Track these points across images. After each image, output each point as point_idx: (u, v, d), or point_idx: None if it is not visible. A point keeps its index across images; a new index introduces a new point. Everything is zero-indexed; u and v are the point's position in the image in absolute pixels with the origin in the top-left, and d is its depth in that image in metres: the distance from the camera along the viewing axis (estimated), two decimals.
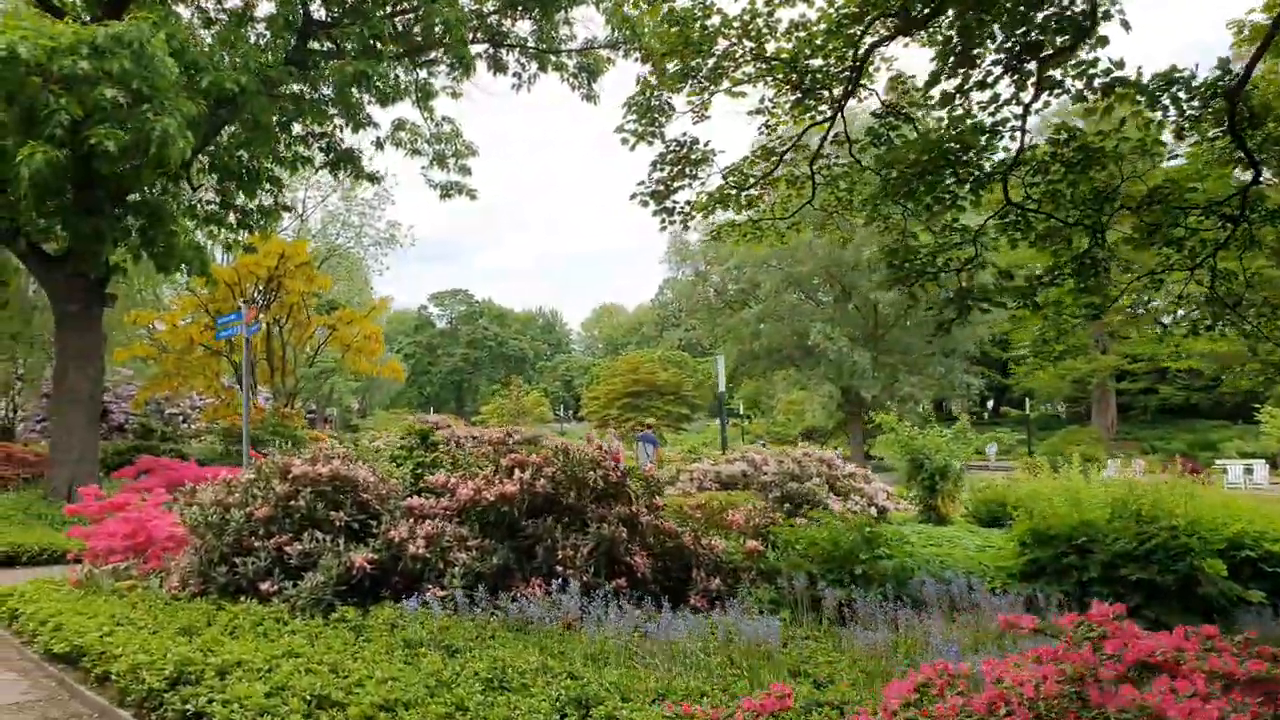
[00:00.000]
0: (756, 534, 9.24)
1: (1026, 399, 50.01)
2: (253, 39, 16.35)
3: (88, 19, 14.48)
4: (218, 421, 26.45)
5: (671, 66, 10.35)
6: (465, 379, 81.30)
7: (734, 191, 10.28)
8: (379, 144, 19.05)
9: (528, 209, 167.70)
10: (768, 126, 10.92)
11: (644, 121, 10.47)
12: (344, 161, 18.95)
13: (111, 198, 15.37)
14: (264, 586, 7.54)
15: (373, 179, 19.21)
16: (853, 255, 40.79)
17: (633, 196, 10.15)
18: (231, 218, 18.29)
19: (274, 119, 16.08)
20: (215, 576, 7.80)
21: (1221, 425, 46.47)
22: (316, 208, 43.63)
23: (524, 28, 19.12)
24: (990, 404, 64.39)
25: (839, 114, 9.90)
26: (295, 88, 17.23)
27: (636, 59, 19.09)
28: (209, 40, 15.31)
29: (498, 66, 19.40)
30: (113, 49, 11.14)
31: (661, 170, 10.22)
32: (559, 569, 7.69)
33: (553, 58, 19.55)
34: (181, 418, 33.26)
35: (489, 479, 8.08)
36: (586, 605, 7.17)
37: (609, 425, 50.21)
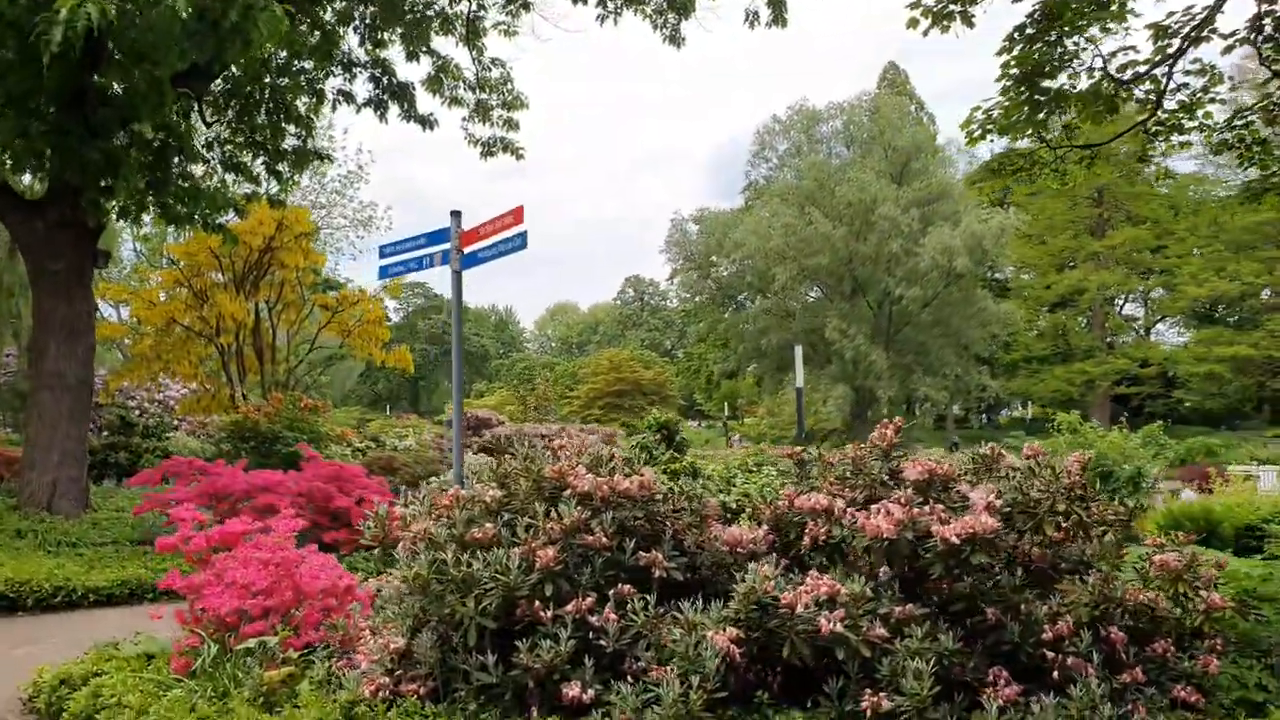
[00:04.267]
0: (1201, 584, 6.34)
1: (1028, 403, 48.54)
2: None
3: None
4: (197, 415, 22.58)
5: None
6: (422, 376, 76.63)
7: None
8: (436, 82, 15.46)
9: (474, 198, 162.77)
10: None
11: None
12: (396, 98, 15.40)
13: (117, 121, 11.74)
14: (570, 691, 4.29)
15: (425, 122, 15.70)
16: (872, 248, 38.26)
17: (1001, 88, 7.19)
18: (259, 162, 14.62)
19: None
20: (467, 670, 4.50)
21: (1205, 431, 45.10)
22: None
23: None
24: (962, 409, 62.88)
25: None
26: None
27: None
28: None
29: None
30: None
31: (1018, 46, 7.27)
32: (1045, 654, 4.66)
33: None
34: (139, 410, 28.92)
35: (909, 505, 4.96)
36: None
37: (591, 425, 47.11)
